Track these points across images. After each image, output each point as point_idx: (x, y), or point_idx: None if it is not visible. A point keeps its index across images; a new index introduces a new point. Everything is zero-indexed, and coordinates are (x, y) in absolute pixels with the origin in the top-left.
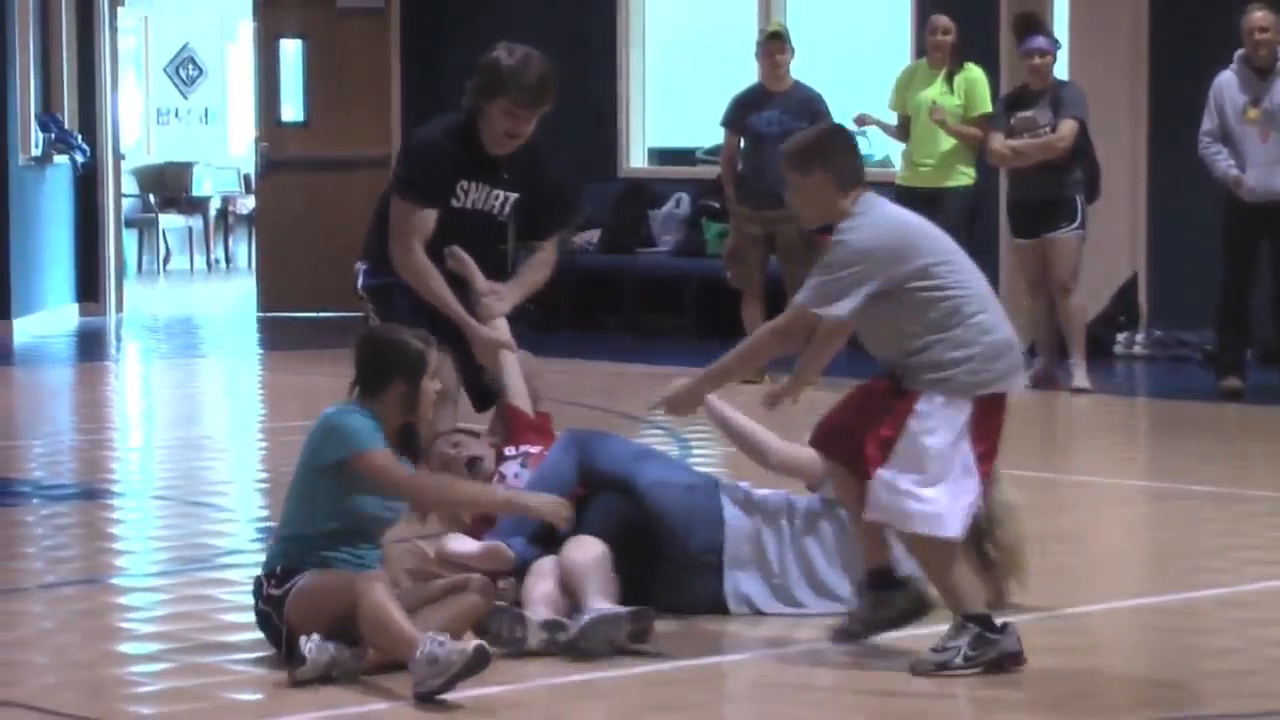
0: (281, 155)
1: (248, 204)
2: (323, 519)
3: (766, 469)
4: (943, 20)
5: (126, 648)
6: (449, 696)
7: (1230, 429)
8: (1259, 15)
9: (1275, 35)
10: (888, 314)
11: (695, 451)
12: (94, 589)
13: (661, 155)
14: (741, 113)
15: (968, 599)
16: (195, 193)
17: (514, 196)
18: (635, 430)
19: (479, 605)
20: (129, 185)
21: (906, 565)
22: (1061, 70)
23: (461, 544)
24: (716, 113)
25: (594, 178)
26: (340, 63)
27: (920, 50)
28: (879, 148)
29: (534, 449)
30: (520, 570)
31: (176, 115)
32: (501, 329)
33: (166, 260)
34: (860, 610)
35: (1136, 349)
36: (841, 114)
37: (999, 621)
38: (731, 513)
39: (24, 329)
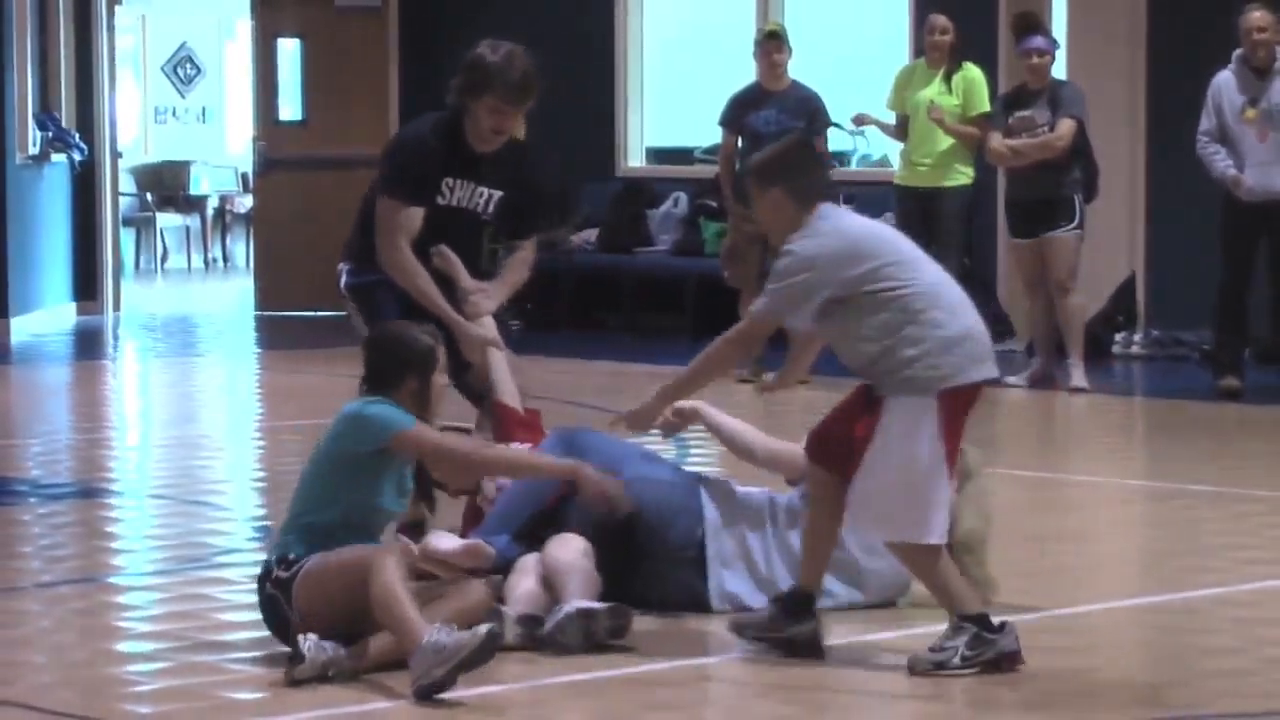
0: (279, 154)
1: (245, 203)
2: (338, 510)
3: (754, 465)
4: (941, 20)
5: (124, 646)
6: (448, 695)
7: (1228, 428)
8: (1257, 15)
9: (1273, 35)
10: (846, 322)
11: (693, 452)
12: (91, 588)
13: (659, 155)
14: (739, 112)
15: (963, 599)
16: (193, 192)
17: (498, 194)
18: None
19: (485, 600)
20: (126, 184)
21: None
22: (1060, 70)
23: (445, 541)
24: (714, 112)
25: (592, 177)
26: (338, 62)
27: (918, 50)
28: (877, 147)
29: (524, 446)
30: (504, 568)
31: (174, 114)
32: (488, 327)
33: (164, 259)
34: (761, 615)
35: (1135, 348)
36: (840, 113)
37: (997, 621)
38: (711, 508)
39: (21, 328)
